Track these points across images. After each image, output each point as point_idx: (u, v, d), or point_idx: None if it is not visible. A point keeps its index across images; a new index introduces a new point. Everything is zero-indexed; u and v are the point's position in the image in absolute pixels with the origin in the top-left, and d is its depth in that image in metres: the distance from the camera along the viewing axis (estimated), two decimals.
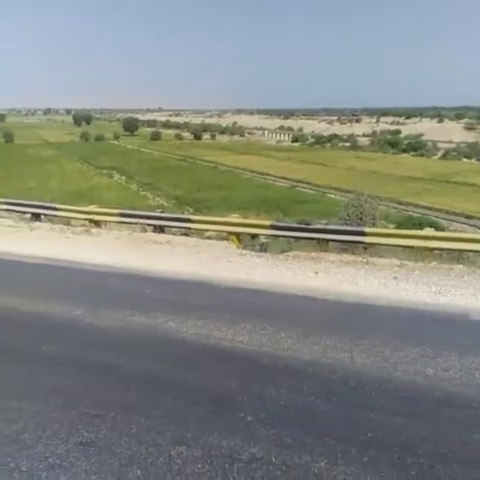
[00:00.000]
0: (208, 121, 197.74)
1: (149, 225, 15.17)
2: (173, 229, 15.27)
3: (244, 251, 12.74)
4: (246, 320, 7.65)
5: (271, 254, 12.28)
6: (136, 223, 15.23)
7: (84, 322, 7.77)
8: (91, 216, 15.89)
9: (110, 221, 15.85)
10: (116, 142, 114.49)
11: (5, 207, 17.73)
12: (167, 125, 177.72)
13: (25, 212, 17.41)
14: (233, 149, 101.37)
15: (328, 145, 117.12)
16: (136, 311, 8.10)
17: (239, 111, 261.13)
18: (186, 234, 14.89)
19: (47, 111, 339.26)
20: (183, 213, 28.27)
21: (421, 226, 21.70)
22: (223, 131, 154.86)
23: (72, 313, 8.07)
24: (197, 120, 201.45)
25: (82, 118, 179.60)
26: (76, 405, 5.38)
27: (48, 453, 4.64)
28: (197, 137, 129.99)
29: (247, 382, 5.85)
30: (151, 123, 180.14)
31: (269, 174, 67.20)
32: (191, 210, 39.22)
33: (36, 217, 16.88)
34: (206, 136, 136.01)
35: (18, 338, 7.28)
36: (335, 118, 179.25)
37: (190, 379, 5.95)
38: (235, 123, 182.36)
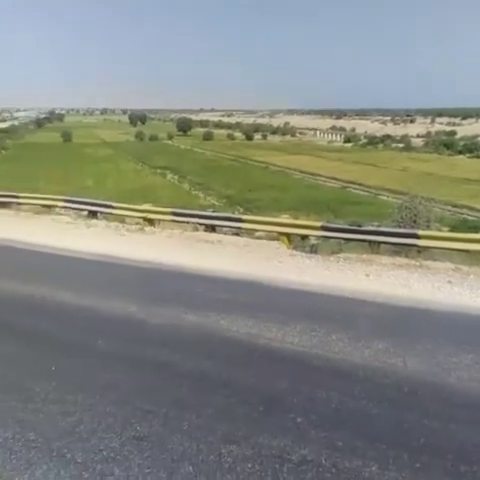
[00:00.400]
0: (260, 121, 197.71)
1: (201, 224, 15.33)
2: (224, 229, 15.38)
3: (294, 252, 12.72)
4: (296, 321, 7.66)
5: (321, 255, 12.21)
6: (188, 222, 15.41)
7: (138, 319, 7.94)
8: (145, 214, 16.18)
9: (163, 220, 16.10)
10: (170, 142, 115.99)
11: (63, 204, 18.27)
12: (219, 125, 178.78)
13: (82, 209, 17.89)
14: (284, 149, 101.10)
15: (381, 146, 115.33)
16: (188, 309, 8.22)
17: (291, 111, 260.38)
18: (237, 234, 14.96)
19: (104, 111, 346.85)
20: (234, 213, 28.41)
21: (477, 229, 21.11)
22: (274, 131, 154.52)
23: (126, 310, 8.26)
24: (249, 120, 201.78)
25: (137, 118, 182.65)
26: (130, 400, 5.51)
27: (102, 446, 4.78)
28: (249, 137, 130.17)
29: (297, 383, 5.86)
30: (204, 123, 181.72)
31: (320, 175, 66.71)
32: (242, 210, 39.32)
33: (93, 214, 17.32)
34: (257, 136, 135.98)
35: (74, 332, 7.51)
36: (388, 118, 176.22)
37: (241, 378, 6.00)
38: (287, 123, 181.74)
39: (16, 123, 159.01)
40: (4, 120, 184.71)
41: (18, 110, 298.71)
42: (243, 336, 7.21)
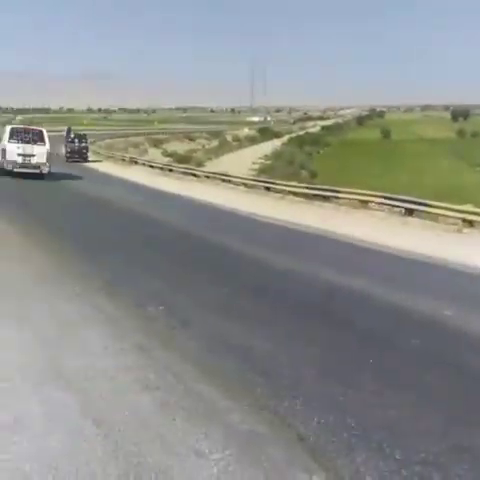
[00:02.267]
0: None
1: None
2: None
3: None
4: None
5: None
6: None
7: (452, 323, 7.57)
8: (464, 215, 15.32)
9: None
10: None
11: (379, 201, 18.49)
12: None
13: (396, 206, 17.83)
14: None
15: None
16: None
17: None
18: None
19: (424, 107, 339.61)
20: None
21: None
22: None
23: (441, 313, 7.94)
24: None
25: (460, 114, 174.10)
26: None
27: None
28: None
29: None
30: None
31: None
32: None
33: (409, 212, 17.10)
34: None
35: (388, 329, 7.50)
36: None
37: None
38: None
39: (340, 120, 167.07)
40: (328, 118, 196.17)
41: (341, 108, 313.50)
42: None
